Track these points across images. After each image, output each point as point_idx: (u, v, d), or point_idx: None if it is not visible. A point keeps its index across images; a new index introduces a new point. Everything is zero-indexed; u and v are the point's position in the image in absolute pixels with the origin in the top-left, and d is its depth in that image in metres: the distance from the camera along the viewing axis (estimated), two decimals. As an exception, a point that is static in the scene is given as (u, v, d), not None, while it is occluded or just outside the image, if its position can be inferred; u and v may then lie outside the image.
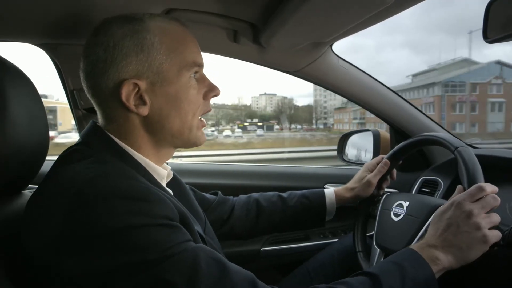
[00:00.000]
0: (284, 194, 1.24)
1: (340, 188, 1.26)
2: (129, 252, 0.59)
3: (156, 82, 0.76)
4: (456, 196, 0.85)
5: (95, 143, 0.76)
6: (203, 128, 0.86)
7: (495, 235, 0.80)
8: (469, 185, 0.86)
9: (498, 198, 0.82)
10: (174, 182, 0.93)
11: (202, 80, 0.84)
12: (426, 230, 0.91)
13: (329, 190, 1.24)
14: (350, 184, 1.26)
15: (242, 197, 1.24)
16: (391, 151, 1.21)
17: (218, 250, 0.92)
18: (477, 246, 0.79)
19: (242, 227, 1.18)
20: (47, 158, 0.82)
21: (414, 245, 0.83)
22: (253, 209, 1.20)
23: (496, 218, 0.81)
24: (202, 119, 0.85)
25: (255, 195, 1.25)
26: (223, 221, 1.17)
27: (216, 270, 0.64)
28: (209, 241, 0.88)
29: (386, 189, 1.26)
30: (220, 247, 0.98)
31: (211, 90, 0.85)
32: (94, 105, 0.80)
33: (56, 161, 0.74)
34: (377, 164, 1.24)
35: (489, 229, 0.80)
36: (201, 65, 0.82)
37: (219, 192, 1.23)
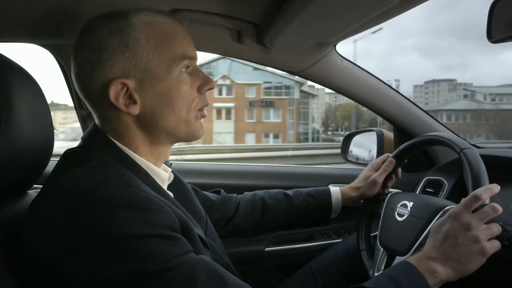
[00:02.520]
0: (290, 192, 1.23)
1: (346, 187, 1.25)
2: (128, 262, 0.59)
3: (145, 80, 0.73)
4: (453, 208, 0.83)
5: (96, 146, 0.75)
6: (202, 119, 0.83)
7: (493, 246, 0.79)
8: (474, 189, 0.85)
9: (498, 208, 0.80)
10: (175, 183, 0.92)
11: (196, 73, 0.80)
12: (429, 231, 0.90)
13: (335, 189, 1.24)
14: (356, 183, 1.25)
15: (247, 194, 1.23)
16: (397, 150, 1.21)
17: (219, 251, 0.93)
18: (476, 259, 0.78)
19: (247, 225, 1.18)
20: (52, 158, 0.83)
21: (412, 258, 0.82)
22: (258, 207, 1.19)
23: (496, 229, 0.80)
24: (203, 108, 0.82)
25: (260, 192, 1.24)
26: (228, 219, 1.16)
27: (215, 283, 0.64)
28: (210, 243, 0.88)
29: (390, 189, 1.26)
30: (223, 247, 0.98)
31: (206, 83, 0.81)
32: (88, 106, 0.78)
33: (58, 163, 0.74)
34: (382, 163, 1.23)
35: (489, 239, 0.79)
36: (192, 58, 0.78)
37: (222, 190, 1.22)
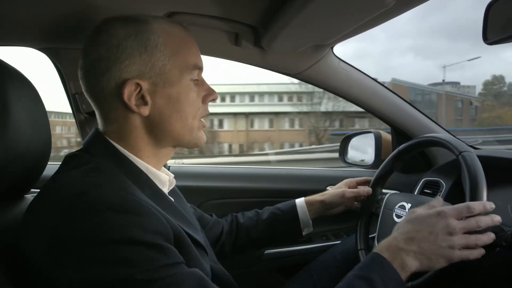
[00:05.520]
0: (261, 210, 1.26)
1: (313, 195, 1.27)
2: (117, 267, 0.59)
3: (158, 83, 0.76)
4: (445, 208, 0.83)
5: (96, 149, 0.76)
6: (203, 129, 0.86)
7: (460, 256, 0.79)
8: (471, 192, 0.86)
9: (482, 224, 0.80)
10: (174, 195, 0.93)
11: (201, 83, 0.84)
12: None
13: (300, 199, 1.25)
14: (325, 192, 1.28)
15: (228, 217, 1.26)
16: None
17: (216, 260, 0.94)
18: (442, 262, 0.78)
19: (229, 245, 1.20)
20: (50, 162, 0.83)
21: (385, 248, 0.81)
22: (234, 226, 1.22)
23: (472, 240, 0.80)
24: (202, 120, 0.86)
25: (235, 214, 1.27)
26: (217, 240, 1.18)
27: None
28: (208, 252, 0.89)
29: (387, 190, 1.26)
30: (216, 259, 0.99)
31: (210, 94, 0.85)
32: (93, 104, 0.79)
33: (58, 167, 0.75)
34: (357, 183, 1.29)
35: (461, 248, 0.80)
36: (201, 69, 0.83)
37: (213, 214, 1.24)
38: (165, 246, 0.65)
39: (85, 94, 0.79)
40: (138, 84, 0.74)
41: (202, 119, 0.85)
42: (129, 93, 0.74)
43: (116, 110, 0.76)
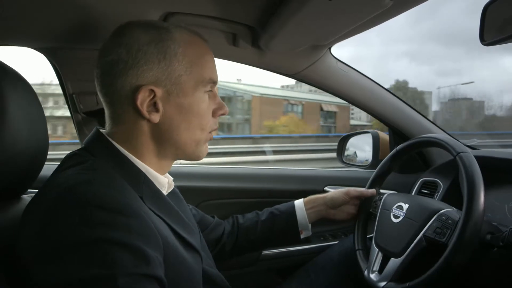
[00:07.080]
0: (261, 211, 1.26)
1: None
2: (95, 267, 0.55)
3: (172, 92, 0.76)
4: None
5: (95, 148, 0.76)
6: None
7: None
8: (468, 192, 0.87)
9: None
10: (173, 196, 0.92)
11: (213, 97, 0.85)
12: (424, 235, 0.91)
13: (299, 200, 1.24)
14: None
15: (230, 218, 1.25)
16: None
17: (212, 264, 0.94)
18: None
19: (229, 245, 1.19)
20: (47, 162, 0.83)
21: None
22: (235, 228, 1.22)
23: None
24: (211, 132, 0.85)
25: (236, 215, 1.26)
26: (217, 241, 1.17)
27: None
28: (204, 256, 0.89)
29: (384, 190, 1.26)
30: (214, 263, 0.98)
31: (220, 108, 0.86)
32: (104, 104, 0.79)
33: (57, 166, 0.74)
34: (359, 197, 1.24)
35: None
36: (215, 83, 0.83)
37: (215, 216, 1.24)
38: (148, 253, 0.61)
39: (98, 93, 0.79)
40: (152, 91, 0.75)
41: (211, 132, 0.85)
42: (142, 98, 0.74)
43: (127, 113, 0.76)
